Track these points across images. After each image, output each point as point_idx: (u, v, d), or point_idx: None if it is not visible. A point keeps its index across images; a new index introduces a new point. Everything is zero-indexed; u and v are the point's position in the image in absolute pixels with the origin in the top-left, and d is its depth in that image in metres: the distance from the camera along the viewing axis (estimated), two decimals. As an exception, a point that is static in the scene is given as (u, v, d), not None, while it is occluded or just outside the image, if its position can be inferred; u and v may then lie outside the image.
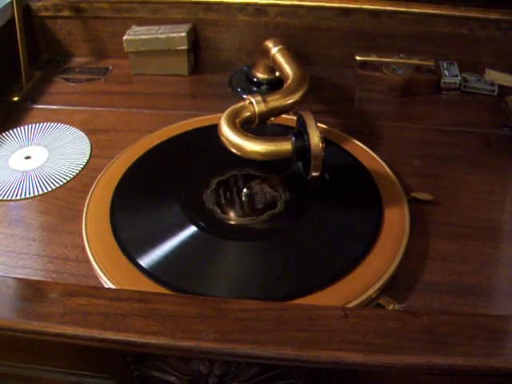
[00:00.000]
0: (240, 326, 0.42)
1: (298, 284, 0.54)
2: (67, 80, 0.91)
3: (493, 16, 0.87)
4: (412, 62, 0.88)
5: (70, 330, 0.41)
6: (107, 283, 0.55)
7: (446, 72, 0.88)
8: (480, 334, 0.42)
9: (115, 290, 0.50)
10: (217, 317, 0.42)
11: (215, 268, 0.56)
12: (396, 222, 0.61)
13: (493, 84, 0.87)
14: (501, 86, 0.87)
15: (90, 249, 0.59)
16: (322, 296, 0.53)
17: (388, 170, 0.68)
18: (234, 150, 0.62)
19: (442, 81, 0.87)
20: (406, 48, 0.89)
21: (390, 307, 0.53)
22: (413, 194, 0.66)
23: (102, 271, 0.56)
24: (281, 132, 0.69)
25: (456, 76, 0.87)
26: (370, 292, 0.53)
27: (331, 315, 0.42)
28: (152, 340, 0.41)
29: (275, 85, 0.83)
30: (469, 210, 0.66)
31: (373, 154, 0.71)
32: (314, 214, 0.62)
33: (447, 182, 0.70)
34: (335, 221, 0.61)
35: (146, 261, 0.56)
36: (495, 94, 0.87)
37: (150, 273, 0.55)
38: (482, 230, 0.63)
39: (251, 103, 0.66)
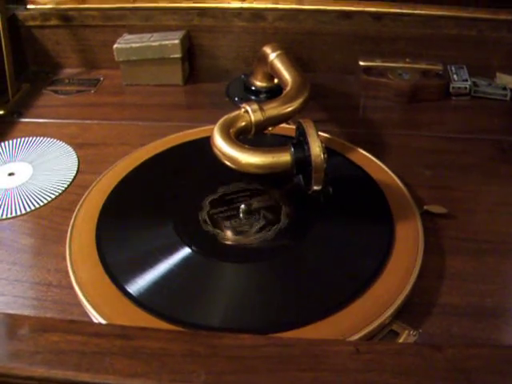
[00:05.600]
0: (236, 366, 0.36)
1: (303, 311, 0.49)
2: (56, 92, 0.87)
3: (503, 17, 0.83)
4: (419, 66, 0.84)
5: (40, 371, 0.36)
6: (91, 312, 0.50)
7: (454, 76, 0.83)
8: (512, 369, 0.37)
9: (93, 324, 0.45)
10: (209, 355, 0.37)
11: (210, 293, 0.51)
12: (409, 238, 0.56)
13: (505, 88, 0.83)
14: (512, 90, 0.83)
15: (73, 274, 0.54)
16: (329, 324, 0.48)
17: (398, 181, 0.63)
18: (228, 163, 0.57)
19: (452, 86, 0.82)
20: (411, 52, 0.85)
21: (405, 334, 0.48)
22: (425, 207, 0.61)
23: (86, 299, 0.51)
24: (279, 143, 0.64)
25: (466, 80, 0.82)
26: (383, 318, 0.48)
27: (340, 351, 0.37)
28: (135, 383, 0.36)
29: (275, 93, 0.78)
30: (486, 223, 0.61)
31: (381, 164, 0.66)
32: (319, 231, 0.56)
33: (461, 193, 0.65)
34: (342, 239, 0.56)
35: (134, 287, 0.51)
36: (507, 98, 0.82)
37: (138, 300, 0.50)
38: (501, 244, 0.58)
39: (247, 112, 0.62)
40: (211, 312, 0.50)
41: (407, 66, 0.84)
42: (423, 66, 0.84)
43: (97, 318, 0.49)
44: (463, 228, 0.60)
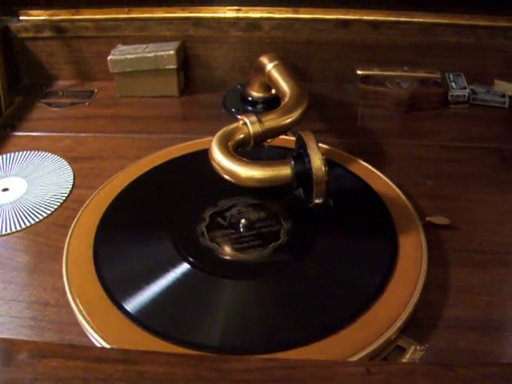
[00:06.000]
0: (243, 390, 0.35)
1: (306, 328, 0.48)
2: (49, 105, 0.86)
3: (500, 23, 0.82)
4: (417, 74, 0.83)
5: (40, 400, 0.35)
6: (90, 331, 0.48)
7: (453, 84, 0.82)
8: (527, 388, 0.36)
9: (94, 348, 0.44)
10: (216, 379, 0.36)
11: (211, 311, 0.50)
12: (412, 251, 0.55)
13: (503, 95, 0.82)
14: (511, 97, 0.82)
15: (70, 292, 0.52)
16: (334, 341, 0.46)
17: (399, 192, 0.62)
18: (227, 177, 0.56)
19: (450, 94, 0.81)
20: (409, 60, 0.84)
21: (412, 349, 0.47)
22: (428, 219, 0.60)
23: (85, 318, 0.49)
24: (279, 155, 0.63)
25: (464, 88, 0.82)
26: (389, 334, 0.47)
27: (351, 373, 0.36)
28: (138, 410, 0.34)
29: (272, 103, 0.77)
30: (489, 233, 0.60)
31: (381, 175, 0.65)
32: (320, 246, 0.55)
33: (463, 203, 0.64)
34: (344, 253, 0.55)
35: (132, 305, 0.50)
36: (506, 105, 0.81)
37: (137, 319, 0.49)
38: (506, 255, 0.57)
39: (245, 124, 0.61)
40: (211, 331, 0.48)
41: (405, 74, 0.83)
42: (421, 74, 0.83)
43: (95, 337, 0.48)
44: (467, 239, 0.59)
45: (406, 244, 0.55)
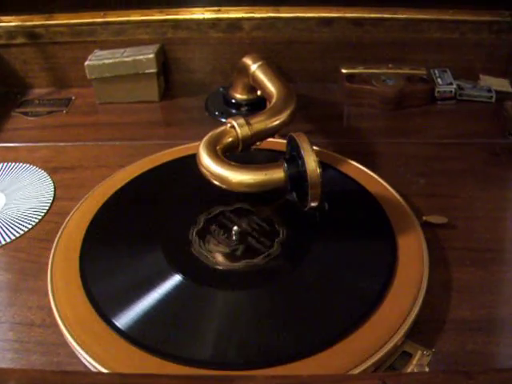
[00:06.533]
0: (252, 411, 0.33)
1: (307, 340, 0.46)
2: (25, 114, 0.83)
3: (484, 18, 0.81)
4: (402, 71, 0.82)
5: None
6: (80, 352, 0.46)
7: (439, 80, 0.81)
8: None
9: (88, 373, 0.41)
10: (221, 400, 0.34)
11: (205, 325, 0.47)
12: (413, 252, 0.53)
13: (490, 90, 0.81)
14: (497, 92, 0.81)
15: (57, 310, 0.49)
16: (338, 351, 0.44)
17: (394, 192, 0.60)
18: (217, 183, 0.54)
19: (437, 90, 0.80)
20: (394, 57, 0.83)
21: (418, 354, 0.46)
22: (425, 218, 0.58)
23: (73, 337, 0.47)
24: (269, 158, 0.61)
25: (450, 84, 0.81)
26: (395, 339, 0.45)
27: (365, 387, 0.34)
28: None
29: (256, 105, 0.76)
30: (487, 230, 0.59)
31: (373, 174, 0.63)
32: (317, 252, 0.53)
33: (459, 200, 0.63)
34: (343, 258, 0.53)
35: (123, 321, 0.47)
36: (493, 100, 0.80)
37: (129, 336, 0.46)
38: (505, 252, 0.56)
39: (233, 127, 0.58)
40: (207, 346, 0.46)
41: (390, 71, 0.82)
42: (407, 70, 0.82)
43: (86, 358, 0.45)
44: (465, 237, 0.58)
45: (406, 245, 0.54)
